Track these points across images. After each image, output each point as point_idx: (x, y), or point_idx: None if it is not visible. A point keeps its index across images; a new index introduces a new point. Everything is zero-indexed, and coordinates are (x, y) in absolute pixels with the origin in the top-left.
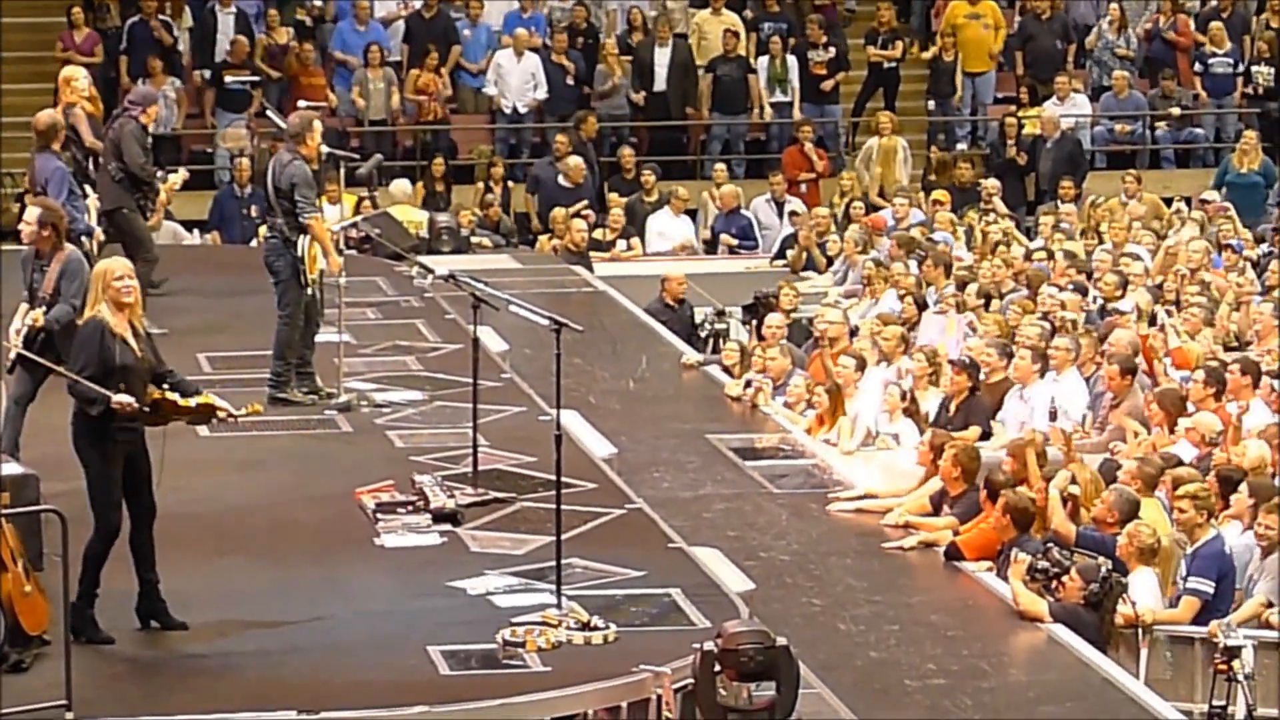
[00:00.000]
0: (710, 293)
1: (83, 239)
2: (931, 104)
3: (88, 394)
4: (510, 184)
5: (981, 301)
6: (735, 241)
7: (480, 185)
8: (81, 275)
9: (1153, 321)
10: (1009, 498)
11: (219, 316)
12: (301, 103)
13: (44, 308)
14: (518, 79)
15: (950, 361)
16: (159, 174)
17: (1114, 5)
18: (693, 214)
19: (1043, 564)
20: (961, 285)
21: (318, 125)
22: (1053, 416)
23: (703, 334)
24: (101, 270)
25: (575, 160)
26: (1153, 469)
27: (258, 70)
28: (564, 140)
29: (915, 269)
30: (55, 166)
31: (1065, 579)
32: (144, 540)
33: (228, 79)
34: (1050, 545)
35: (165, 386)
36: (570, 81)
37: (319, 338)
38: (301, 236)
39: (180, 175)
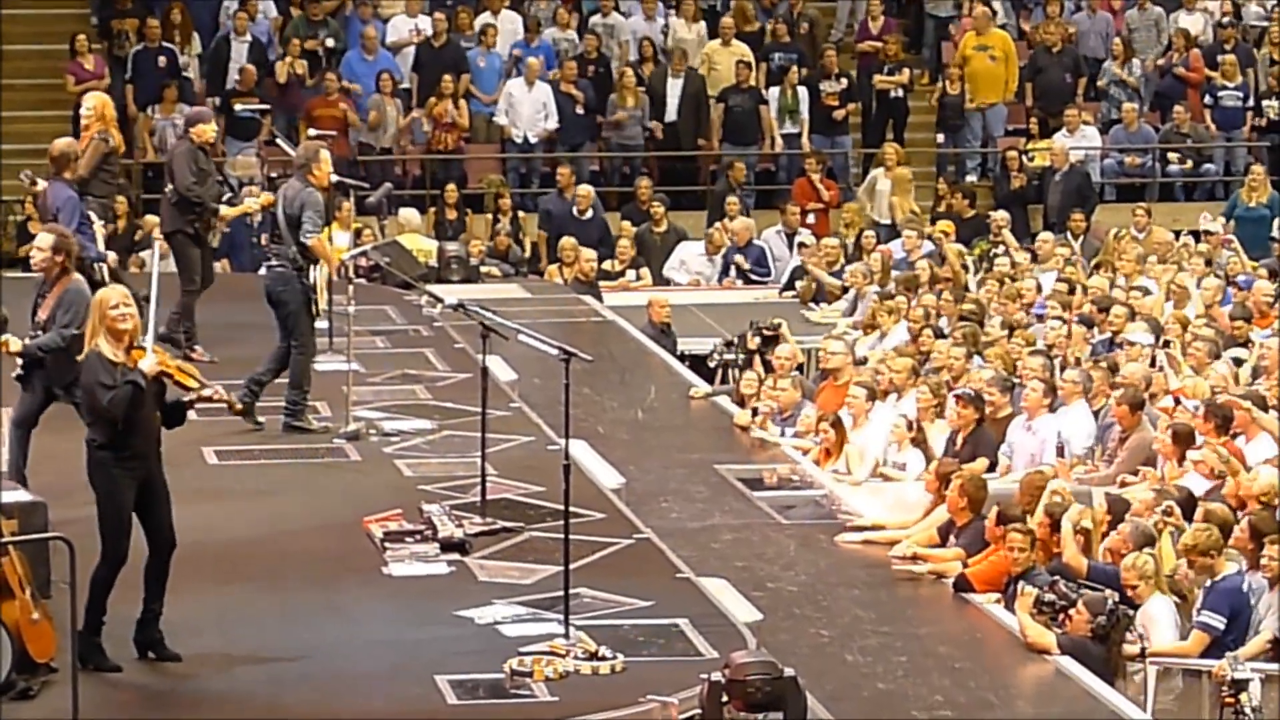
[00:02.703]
0: (720, 324)
1: (95, 266)
2: (941, 136)
3: (125, 402)
4: (521, 214)
5: (1005, 333)
6: (748, 265)
7: (489, 215)
8: (78, 305)
9: (1153, 362)
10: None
11: (228, 344)
12: (311, 131)
13: (34, 334)
14: (529, 109)
15: (954, 395)
16: (228, 195)
17: (1116, 39)
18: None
19: (1049, 596)
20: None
21: (324, 154)
22: (1060, 451)
23: (711, 364)
24: (99, 300)
25: (583, 188)
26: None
27: (266, 98)
28: (566, 172)
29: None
30: (67, 195)
31: (1072, 612)
32: (159, 571)
33: (237, 107)
34: (1057, 578)
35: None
36: (580, 111)
37: (328, 366)
38: (314, 266)
39: (264, 199)
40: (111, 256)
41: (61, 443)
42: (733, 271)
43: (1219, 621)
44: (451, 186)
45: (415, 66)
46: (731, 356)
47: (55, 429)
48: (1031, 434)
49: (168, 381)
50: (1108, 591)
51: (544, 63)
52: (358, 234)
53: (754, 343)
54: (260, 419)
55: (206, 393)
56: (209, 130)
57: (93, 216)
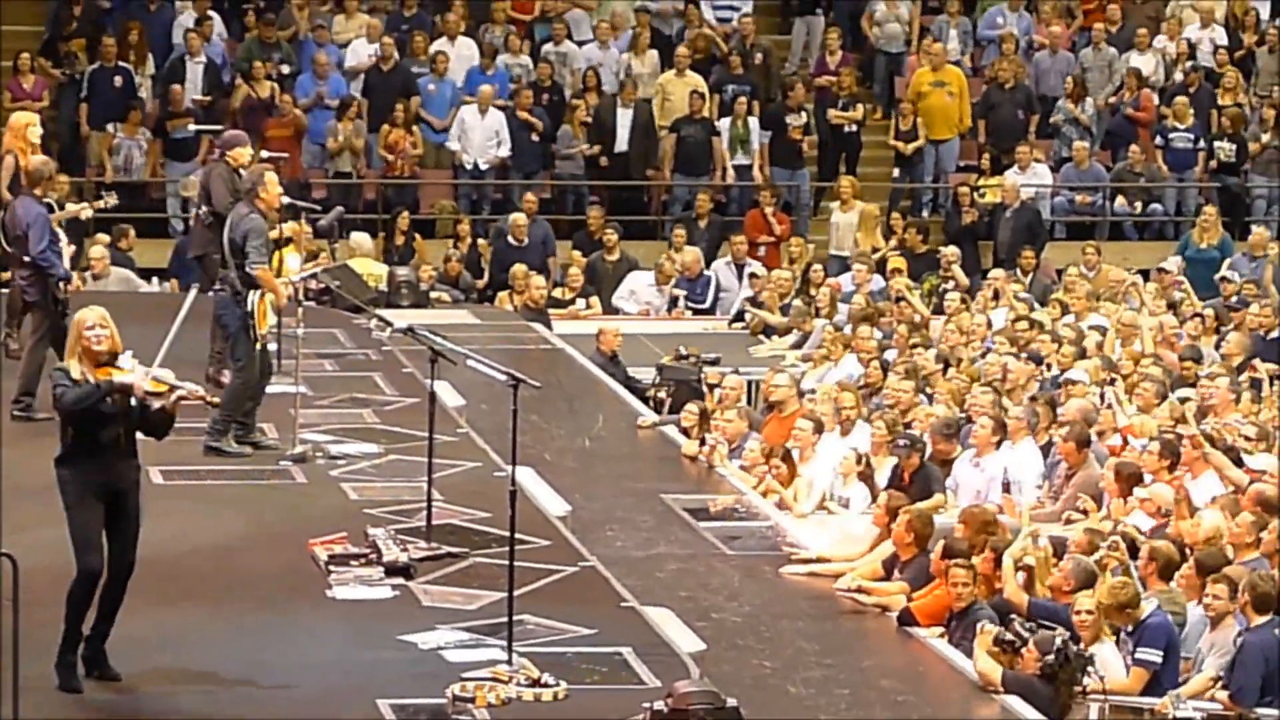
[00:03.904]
0: (667, 353)
1: (60, 285)
2: (896, 171)
3: (78, 399)
4: (480, 241)
5: (940, 367)
6: (684, 293)
7: (448, 241)
8: None
9: (1102, 399)
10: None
11: (173, 363)
12: (264, 153)
13: None
14: (481, 135)
15: (893, 448)
16: None
17: (1069, 77)
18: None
19: (1008, 636)
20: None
21: (270, 177)
22: (1006, 488)
23: (660, 394)
24: (77, 319)
25: (515, 216)
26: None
27: (203, 120)
28: (532, 200)
29: (878, 334)
30: (38, 212)
31: (1024, 650)
32: (114, 594)
33: (191, 127)
34: (1013, 617)
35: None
36: (535, 139)
37: (274, 389)
38: (251, 292)
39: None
40: (76, 277)
41: (6, 458)
42: (680, 303)
43: (1156, 656)
44: (405, 214)
45: (365, 91)
46: (671, 385)
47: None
48: (979, 471)
49: (140, 395)
50: (1059, 630)
51: (498, 90)
52: (314, 256)
53: (715, 376)
54: (272, 442)
55: (180, 392)
56: (244, 153)
57: (61, 235)
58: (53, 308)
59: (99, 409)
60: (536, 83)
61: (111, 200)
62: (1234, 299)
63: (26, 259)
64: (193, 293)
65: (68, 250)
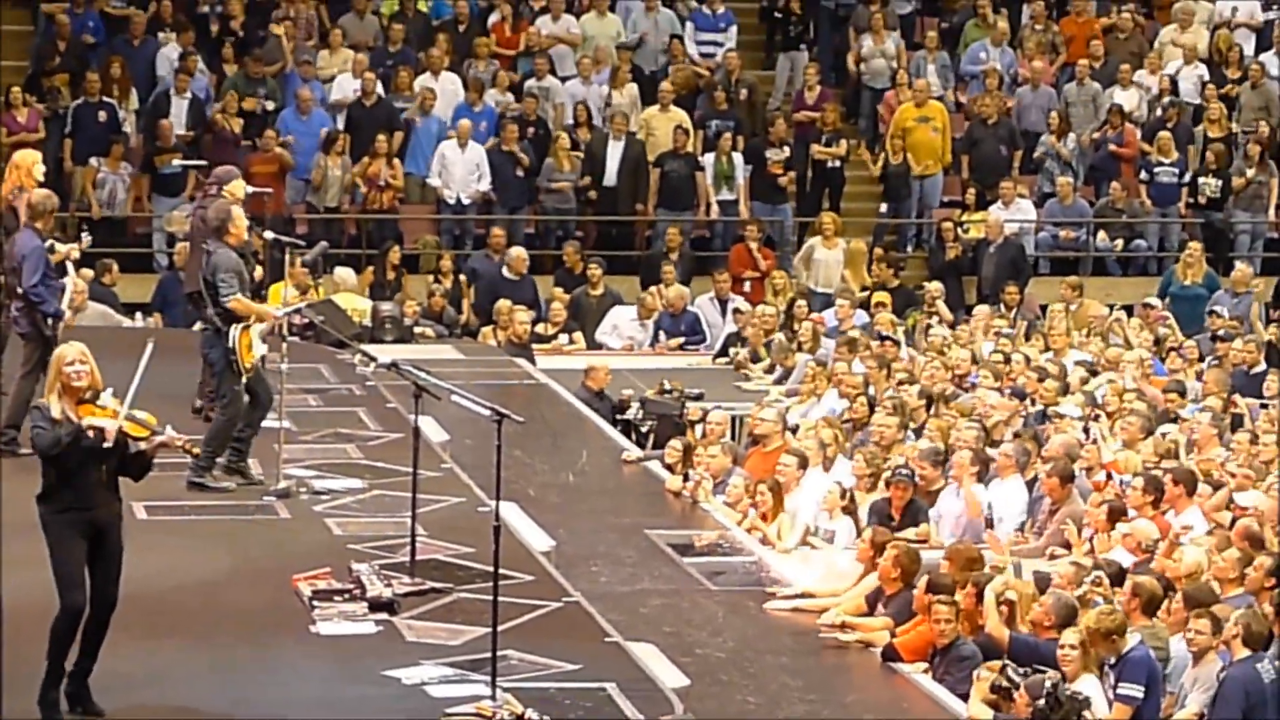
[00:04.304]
0: (651, 388)
1: (49, 320)
2: (884, 206)
3: (50, 445)
4: (462, 277)
5: (922, 403)
6: (681, 341)
7: (429, 277)
8: None
9: (1086, 433)
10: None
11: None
12: (248, 188)
13: None
14: (462, 170)
15: (887, 481)
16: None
17: (1054, 112)
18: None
19: (1003, 683)
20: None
21: (235, 211)
22: (989, 523)
23: (644, 429)
24: (57, 356)
25: (517, 251)
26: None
27: (188, 155)
28: (500, 234)
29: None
30: (34, 245)
31: (1016, 695)
32: (96, 629)
33: (175, 163)
34: (1006, 662)
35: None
36: (520, 174)
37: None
38: (231, 327)
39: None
40: (69, 315)
41: None
42: (662, 337)
43: (1138, 691)
44: (396, 249)
45: (347, 126)
46: (654, 420)
47: None
48: (963, 501)
49: (111, 439)
50: (1050, 673)
51: (488, 127)
52: (304, 291)
53: (697, 413)
54: (259, 477)
55: (159, 439)
56: (240, 187)
57: (69, 268)
58: (42, 341)
59: (78, 448)
60: (521, 117)
61: (87, 239)
62: (1221, 332)
63: (19, 291)
64: (151, 344)
65: (71, 286)
